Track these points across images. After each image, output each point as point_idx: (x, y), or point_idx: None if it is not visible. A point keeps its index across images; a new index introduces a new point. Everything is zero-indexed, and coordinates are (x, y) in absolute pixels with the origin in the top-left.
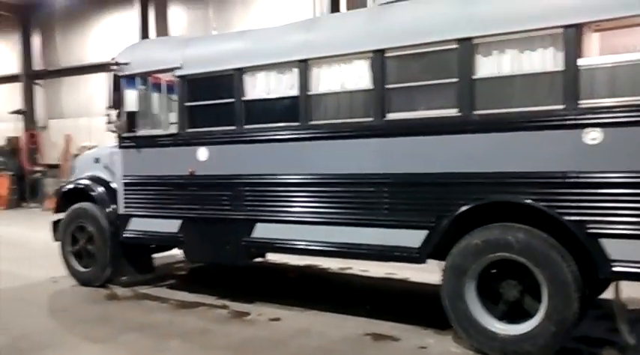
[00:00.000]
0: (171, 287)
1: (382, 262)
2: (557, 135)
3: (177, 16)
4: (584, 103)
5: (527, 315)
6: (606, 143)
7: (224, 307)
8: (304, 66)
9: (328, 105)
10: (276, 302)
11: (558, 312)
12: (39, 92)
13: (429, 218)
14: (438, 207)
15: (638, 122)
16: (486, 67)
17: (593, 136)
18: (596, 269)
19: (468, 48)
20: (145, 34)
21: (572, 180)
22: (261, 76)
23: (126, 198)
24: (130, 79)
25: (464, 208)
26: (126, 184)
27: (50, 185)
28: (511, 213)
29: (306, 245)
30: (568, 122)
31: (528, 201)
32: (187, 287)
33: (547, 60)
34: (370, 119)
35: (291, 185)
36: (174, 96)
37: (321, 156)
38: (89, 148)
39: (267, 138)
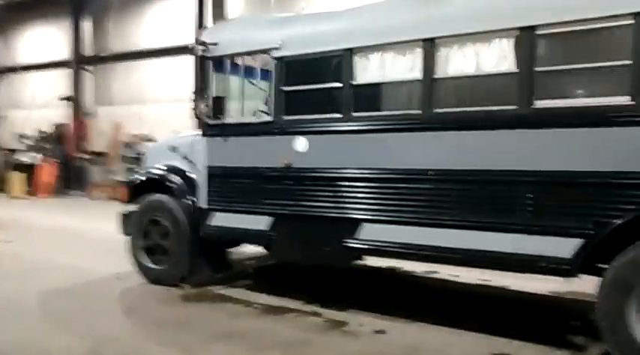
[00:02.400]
0: (249, 288)
1: (519, 273)
2: None
3: (235, 1)
4: None
5: None
6: None
7: (316, 314)
8: (430, 45)
9: (459, 90)
10: (371, 309)
11: None
12: (88, 78)
13: (585, 224)
14: (600, 212)
15: None
16: None
17: None
18: None
19: None
20: (201, 19)
21: None
22: (374, 57)
23: (209, 191)
24: (218, 61)
25: (637, 214)
26: (210, 176)
27: (96, 173)
28: None
29: (423, 250)
30: None
31: None
32: (267, 288)
33: None
34: (514, 107)
35: (408, 181)
36: (262, 82)
37: (448, 149)
38: (140, 137)
39: (380, 127)
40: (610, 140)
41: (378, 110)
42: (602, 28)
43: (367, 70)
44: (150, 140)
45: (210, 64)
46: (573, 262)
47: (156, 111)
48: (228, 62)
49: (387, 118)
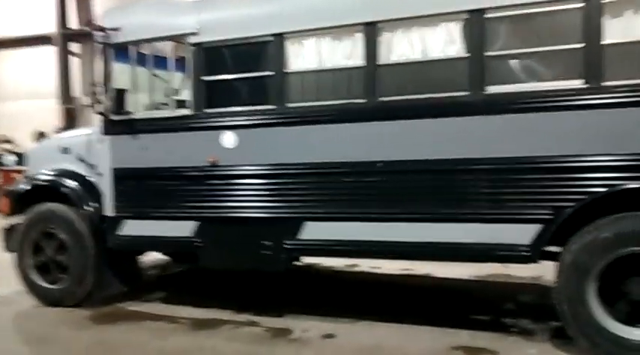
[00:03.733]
0: (165, 300)
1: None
2: None
3: None
4: None
5: None
6: None
7: (253, 323)
8: (372, 30)
9: (406, 77)
10: (308, 312)
11: None
12: None
13: (544, 210)
14: (556, 196)
15: None
16: (617, 31)
17: None
18: None
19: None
20: (63, 6)
21: None
22: (309, 43)
23: (117, 197)
24: (121, 48)
25: (595, 196)
26: (117, 179)
27: None
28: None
29: (377, 246)
30: None
31: None
32: (185, 299)
33: None
34: (465, 93)
35: (355, 175)
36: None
37: (398, 139)
38: None
39: (319, 118)
40: (564, 124)
41: (315, 100)
42: (554, 10)
43: (300, 57)
44: (8, 141)
45: (111, 52)
46: (533, 248)
47: (13, 109)
48: (133, 49)
49: (327, 108)
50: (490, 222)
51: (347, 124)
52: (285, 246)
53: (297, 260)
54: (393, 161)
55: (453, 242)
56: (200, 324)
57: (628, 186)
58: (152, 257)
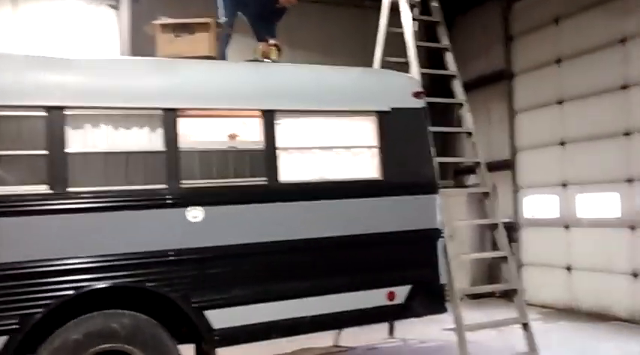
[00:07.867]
0: None
1: None
2: (162, 213)
3: None
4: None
5: None
6: (206, 220)
7: None
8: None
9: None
10: None
11: None
12: None
13: (11, 319)
14: (27, 304)
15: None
16: (80, 140)
17: (194, 214)
18: (201, 341)
19: (58, 117)
20: None
21: (177, 257)
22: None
23: None
24: None
25: (64, 299)
26: None
27: None
28: (110, 298)
29: None
30: (171, 201)
31: (137, 284)
32: None
33: (147, 139)
34: None
35: None
36: None
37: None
38: None
39: None
40: (32, 229)
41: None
42: (18, 116)
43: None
44: None
45: None
46: None
47: None
48: None
49: None
50: None
51: None
52: None
53: None
54: None
55: None
56: None
57: (95, 287)
58: None
